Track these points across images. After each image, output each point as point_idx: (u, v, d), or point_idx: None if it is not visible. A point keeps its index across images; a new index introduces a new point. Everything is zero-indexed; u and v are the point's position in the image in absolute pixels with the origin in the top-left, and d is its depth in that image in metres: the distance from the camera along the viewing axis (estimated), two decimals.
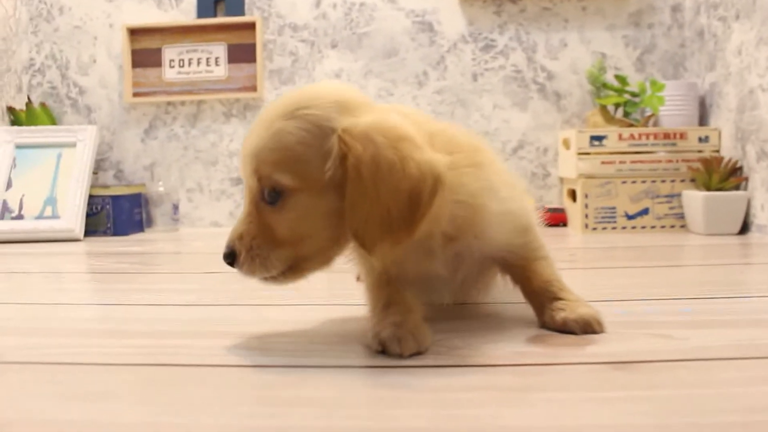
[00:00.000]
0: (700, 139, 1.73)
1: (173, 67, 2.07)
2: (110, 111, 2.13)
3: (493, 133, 1.99)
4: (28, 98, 2.10)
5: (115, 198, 1.92)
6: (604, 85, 1.84)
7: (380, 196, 0.60)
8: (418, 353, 0.64)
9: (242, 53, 2.05)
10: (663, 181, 1.72)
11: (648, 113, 1.84)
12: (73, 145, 1.95)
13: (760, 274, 1.10)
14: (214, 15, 2.05)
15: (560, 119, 1.99)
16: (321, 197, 0.63)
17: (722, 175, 1.61)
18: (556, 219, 1.89)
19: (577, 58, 1.98)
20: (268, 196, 0.65)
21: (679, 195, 1.72)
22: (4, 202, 1.87)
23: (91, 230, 1.91)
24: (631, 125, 1.81)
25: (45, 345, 0.73)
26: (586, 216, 1.74)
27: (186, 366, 0.63)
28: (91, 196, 1.91)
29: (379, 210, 0.60)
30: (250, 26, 2.03)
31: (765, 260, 1.23)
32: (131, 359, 0.66)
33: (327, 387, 0.56)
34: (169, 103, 2.10)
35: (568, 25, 1.97)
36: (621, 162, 1.73)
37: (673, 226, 1.72)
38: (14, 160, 1.93)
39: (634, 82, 1.86)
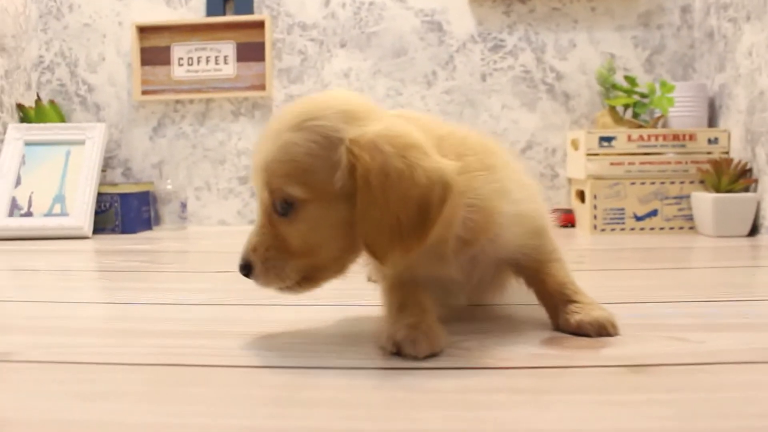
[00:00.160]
0: (709, 141, 1.73)
1: (182, 65, 2.08)
2: (119, 109, 2.13)
3: (501, 134, 1.99)
4: (38, 95, 2.11)
5: (124, 196, 1.92)
6: (614, 86, 1.83)
7: (389, 206, 0.60)
8: (432, 355, 0.64)
9: (251, 52, 2.05)
10: (672, 183, 1.72)
11: (657, 114, 1.83)
12: (82, 142, 1.95)
13: None
14: (223, 13, 2.05)
15: (569, 120, 1.99)
16: (331, 208, 0.63)
17: (732, 177, 1.60)
18: (565, 220, 1.89)
19: (586, 59, 1.97)
20: (280, 208, 0.65)
21: (688, 197, 1.71)
22: (14, 199, 1.88)
23: (99, 228, 1.92)
24: (641, 126, 1.81)
25: (54, 344, 0.73)
26: (595, 217, 1.73)
27: (200, 366, 0.63)
28: (99, 194, 1.91)
29: (389, 219, 0.60)
30: (259, 25, 2.03)
31: None
32: (143, 359, 0.66)
33: (344, 388, 0.56)
34: (177, 102, 2.11)
35: (577, 25, 1.97)
36: (630, 163, 1.73)
37: (681, 228, 1.72)
38: (23, 157, 1.93)
39: (644, 83, 1.85)
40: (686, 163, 1.72)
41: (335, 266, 0.68)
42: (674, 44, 1.96)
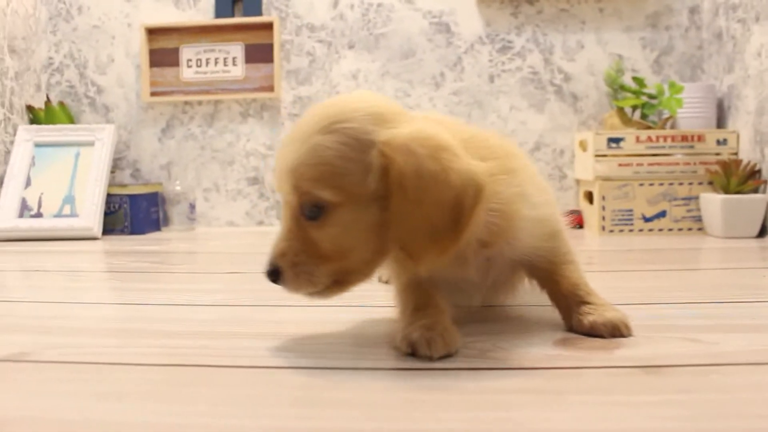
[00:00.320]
0: (718, 142, 1.73)
1: (191, 66, 2.09)
2: (128, 110, 2.14)
3: (509, 135, 1.99)
4: (47, 97, 2.12)
5: (133, 197, 1.93)
6: (622, 87, 1.83)
7: (424, 208, 0.60)
8: (447, 355, 0.65)
9: (259, 53, 2.06)
10: (680, 184, 1.72)
11: (665, 115, 1.83)
12: (91, 143, 1.96)
13: None
14: (232, 15, 2.06)
15: (577, 121, 1.99)
16: (363, 210, 0.63)
17: (740, 178, 1.60)
18: (573, 221, 1.89)
19: (594, 60, 1.97)
20: (309, 212, 0.64)
21: (696, 198, 1.71)
22: (23, 200, 1.89)
23: (108, 229, 1.92)
24: (649, 127, 1.80)
25: (64, 344, 0.73)
26: (603, 218, 1.73)
27: (214, 367, 0.64)
28: (108, 195, 1.92)
29: (424, 221, 0.60)
30: (268, 26, 2.04)
31: None
32: (156, 359, 0.66)
33: (362, 389, 0.57)
34: (186, 103, 2.11)
35: (585, 26, 1.97)
36: (638, 164, 1.73)
37: (690, 229, 1.72)
38: (33, 158, 1.94)
39: (652, 84, 1.85)
40: (695, 164, 1.72)
41: (366, 269, 0.67)
42: (683, 45, 1.96)
